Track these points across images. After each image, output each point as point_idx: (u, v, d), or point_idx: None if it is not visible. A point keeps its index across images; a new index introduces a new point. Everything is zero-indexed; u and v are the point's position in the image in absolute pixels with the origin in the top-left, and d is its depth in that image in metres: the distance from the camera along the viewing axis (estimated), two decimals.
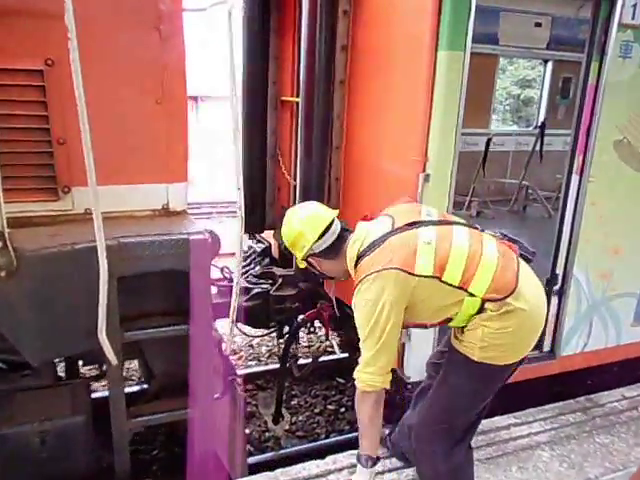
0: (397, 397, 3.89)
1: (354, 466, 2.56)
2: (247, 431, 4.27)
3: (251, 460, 3.77)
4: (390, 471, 2.71)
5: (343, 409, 4.72)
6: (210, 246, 2.54)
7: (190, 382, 2.66)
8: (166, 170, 2.70)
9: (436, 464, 2.33)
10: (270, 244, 4.74)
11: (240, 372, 4.85)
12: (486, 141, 6.19)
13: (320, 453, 4.03)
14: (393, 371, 2.27)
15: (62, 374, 3.44)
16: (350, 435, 4.38)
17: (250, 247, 5.03)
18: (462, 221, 2.31)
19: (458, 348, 2.22)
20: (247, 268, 4.78)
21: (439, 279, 2.08)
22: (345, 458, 2.63)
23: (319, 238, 2.29)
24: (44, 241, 2.25)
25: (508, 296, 2.07)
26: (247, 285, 4.15)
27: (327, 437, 4.37)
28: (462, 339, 2.21)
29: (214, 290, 4.06)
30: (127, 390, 4.13)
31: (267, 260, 4.77)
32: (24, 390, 2.59)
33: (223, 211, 10.91)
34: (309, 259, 2.38)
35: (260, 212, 4.44)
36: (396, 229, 2.19)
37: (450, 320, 2.18)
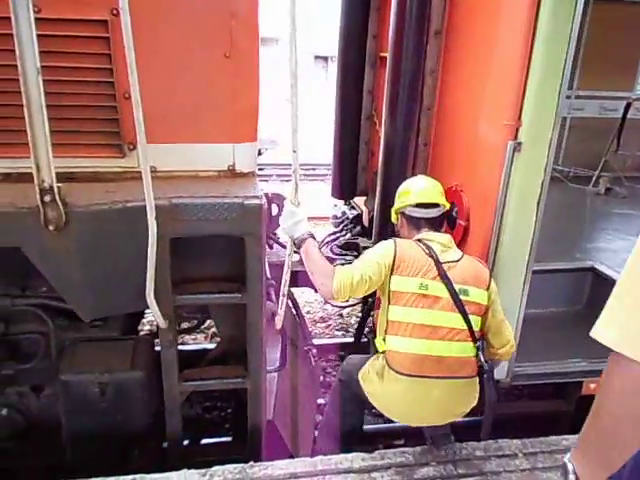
0: None
1: (403, 466, 2.33)
2: (322, 402, 4.17)
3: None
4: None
5: None
6: (266, 213, 2.37)
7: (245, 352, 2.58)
8: (233, 129, 2.55)
9: None
10: (362, 211, 4.50)
11: (323, 342, 4.75)
12: (625, 106, 5.30)
13: (391, 436, 3.85)
14: None
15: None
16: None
17: (343, 213, 4.84)
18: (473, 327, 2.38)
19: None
20: (337, 235, 4.61)
21: (388, 301, 2.39)
22: (395, 455, 2.39)
23: (416, 206, 2.58)
24: (97, 197, 2.23)
25: (393, 370, 2.34)
26: (331, 255, 4.00)
27: None
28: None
29: (296, 258, 3.95)
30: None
31: (358, 228, 4.55)
32: (89, 340, 2.66)
33: (317, 174, 10.82)
34: (399, 215, 2.71)
35: (351, 177, 4.22)
36: (440, 263, 2.40)
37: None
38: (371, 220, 3.97)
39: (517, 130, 2.32)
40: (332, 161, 4.33)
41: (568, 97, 5.71)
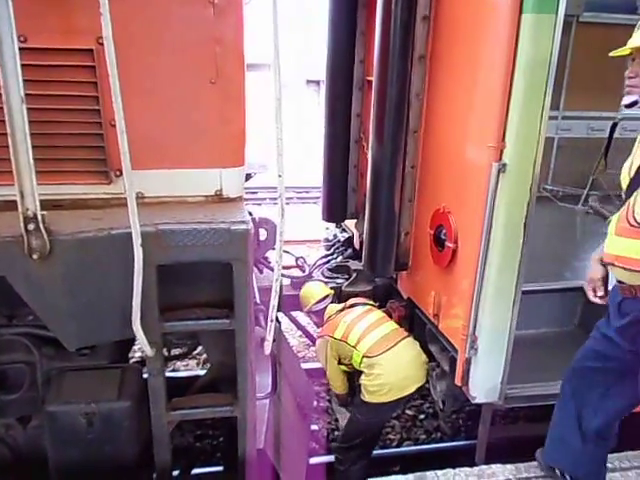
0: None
1: None
2: (316, 427, 4.11)
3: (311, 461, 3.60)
4: None
5: (422, 416, 4.39)
6: (253, 238, 2.36)
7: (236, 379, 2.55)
8: (220, 154, 2.55)
9: None
10: (353, 234, 4.50)
11: (314, 366, 4.69)
12: (611, 126, 5.36)
13: (385, 462, 3.79)
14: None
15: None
16: (425, 447, 4.06)
17: (335, 236, 4.84)
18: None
19: None
20: (329, 258, 4.61)
21: (345, 342, 3.48)
22: None
23: (319, 302, 3.79)
24: (83, 225, 2.21)
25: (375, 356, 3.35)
26: (322, 278, 3.99)
27: (399, 445, 4.08)
28: None
29: (287, 282, 3.95)
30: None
31: (349, 251, 4.54)
32: (76, 370, 2.61)
33: (310, 197, 10.83)
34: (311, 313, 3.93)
35: (341, 200, 4.22)
36: (341, 309, 3.72)
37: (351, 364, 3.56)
38: (362, 243, 3.96)
39: (501, 152, 2.33)
40: (322, 184, 4.34)
41: (555, 118, 5.78)
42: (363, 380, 3.37)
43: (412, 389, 3.36)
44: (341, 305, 3.77)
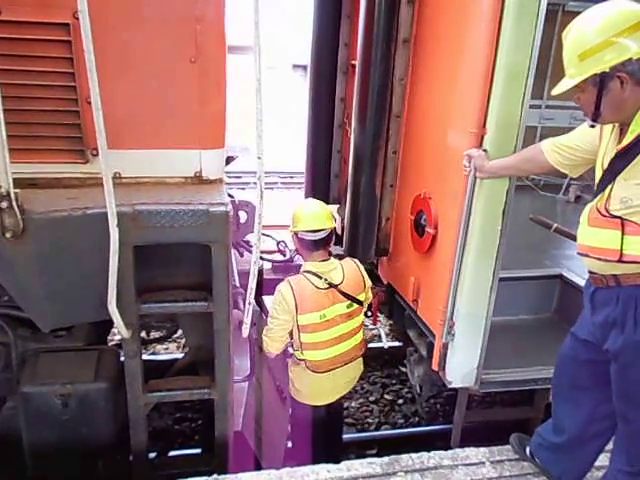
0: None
1: (370, 476, 2.30)
2: None
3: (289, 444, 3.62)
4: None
5: (401, 401, 4.44)
6: (232, 220, 2.34)
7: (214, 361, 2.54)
8: (200, 135, 2.52)
9: None
10: (335, 219, 4.48)
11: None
12: None
13: (363, 445, 3.84)
14: None
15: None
16: (402, 430, 4.11)
17: None
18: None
19: None
20: None
21: (298, 329, 2.84)
22: (362, 466, 2.35)
23: (308, 231, 2.91)
24: (57, 204, 2.17)
25: (314, 372, 2.89)
26: (300, 263, 3.97)
27: (377, 429, 4.12)
28: None
29: (268, 265, 3.93)
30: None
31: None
32: (52, 351, 2.59)
33: (295, 182, 10.81)
34: (294, 237, 3.02)
35: (324, 185, 4.20)
36: (335, 286, 2.92)
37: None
38: (343, 228, 3.96)
39: (482, 137, 2.34)
40: (305, 169, 4.32)
41: (538, 107, 5.80)
42: (292, 373, 3.05)
43: (333, 399, 3.06)
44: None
